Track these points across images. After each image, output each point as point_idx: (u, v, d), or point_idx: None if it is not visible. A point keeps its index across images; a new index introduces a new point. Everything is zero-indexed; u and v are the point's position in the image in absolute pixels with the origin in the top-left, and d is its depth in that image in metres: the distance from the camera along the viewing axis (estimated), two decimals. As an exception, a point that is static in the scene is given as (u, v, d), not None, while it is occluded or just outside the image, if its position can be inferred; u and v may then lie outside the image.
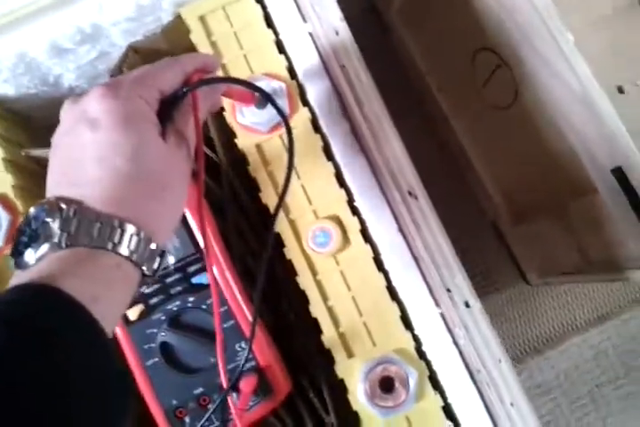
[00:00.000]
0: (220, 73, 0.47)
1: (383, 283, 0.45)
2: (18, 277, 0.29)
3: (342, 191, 0.46)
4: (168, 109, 0.35)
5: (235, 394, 0.42)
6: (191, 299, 0.44)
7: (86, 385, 0.27)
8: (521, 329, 0.92)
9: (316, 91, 0.47)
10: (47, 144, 0.51)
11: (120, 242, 0.30)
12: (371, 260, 0.45)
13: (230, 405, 0.42)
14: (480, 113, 0.76)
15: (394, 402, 0.43)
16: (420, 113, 0.92)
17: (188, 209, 0.45)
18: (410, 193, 0.45)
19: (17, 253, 0.30)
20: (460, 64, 0.74)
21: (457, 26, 0.70)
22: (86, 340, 0.28)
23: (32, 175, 0.51)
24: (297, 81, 0.47)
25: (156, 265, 0.33)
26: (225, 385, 0.41)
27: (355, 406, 0.44)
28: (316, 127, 0.47)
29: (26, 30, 0.46)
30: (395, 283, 0.45)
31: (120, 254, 0.30)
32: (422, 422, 0.44)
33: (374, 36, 0.91)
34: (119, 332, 0.44)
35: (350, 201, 0.46)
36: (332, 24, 0.47)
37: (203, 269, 0.45)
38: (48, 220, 0.30)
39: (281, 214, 0.46)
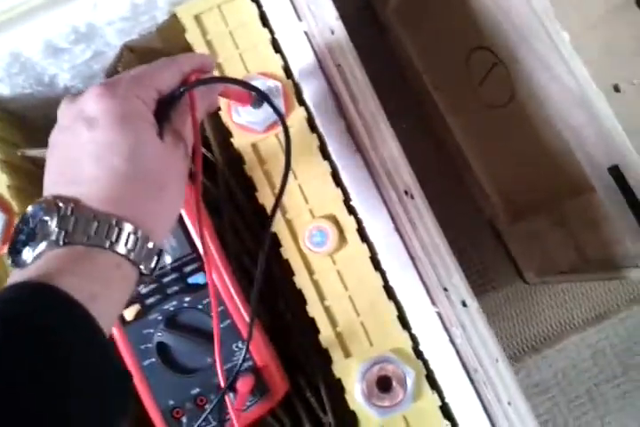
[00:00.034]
0: (215, 72, 0.46)
1: (380, 282, 0.45)
2: (15, 276, 0.29)
3: (339, 191, 0.46)
4: (165, 109, 0.35)
5: (232, 394, 0.42)
6: (187, 299, 0.44)
7: (85, 384, 0.27)
8: (518, 328, 0.92)
9: (312, 90, 0.47)
10: (43, 144, 0.51)
11: (117, 240, 0.30)
12: (367, 259, 0.45)
13: (227, 405, 0.42)
14: (477, 112, 0.76)
15: (391, 402, 0.43)
16: (417, 112, 0.91)
17: (184, 210, 0.45)
18: (406, 192, 0.45)
19: (14, 252, 0.30)
20: (456, 63, 0.74)
21: (454, 26, 0.70)
22: (85, 338, 0.27)
23: (27, 175, 0.51)
24: (293, 80, 0.47)
25: (153, 264, 0.33)
26: (222, 385, 0.41)
27: (352, 406, 0.44)
28: (312, 126, 0.47)
29: (20, 30, 0.46)
30: (392, 282, 0.45)
31: (117, 253, 0.30)
32: (420, 422, 0.44)
33: (370, 35, 0.91)
34: (115, 332, 0.44)
35: (347, 200, 0.46)
36: (328, 23, 0.46)
37: (199, 269, 0.45)
38: (46, 218, 0.30)
39: (277, 214, 0.46)
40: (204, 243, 0.39)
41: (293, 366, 0.47)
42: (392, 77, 0.91)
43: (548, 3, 0.49)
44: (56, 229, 0.29)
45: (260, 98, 0.42)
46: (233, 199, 0.49)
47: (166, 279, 0.45)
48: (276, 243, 0.46)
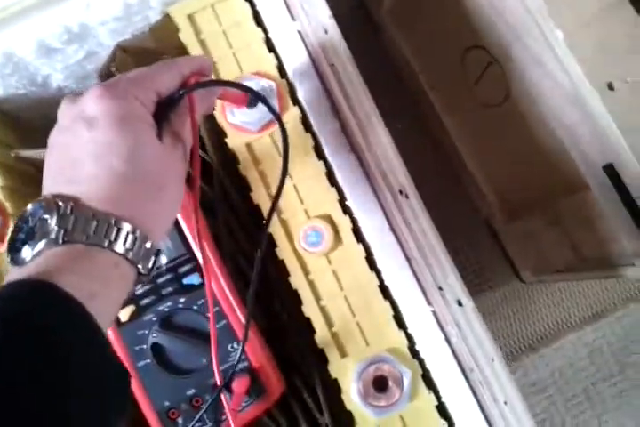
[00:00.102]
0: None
1: (375, 282, 0.45)
2: (14, 274, 0.29)
3: (333, 190, 0.46)
4: (165, 111, 0.35)
5: (227, 395, 0.42)
6: (182, 300, 0.44)
7: (85, 384, 0.26)
8: (515, 327, 0.92)
9: (306, 89, 0.47)
10: (37, 145, 0.51)
11: (116, 240, 0.30)
12: (363, 259, 0.45)
13: (223, 405, 0.42)
14: (472, 111, 0.76)
15: (387, 401, 0.43)
16: (412, 112, 0.91)
17: (180, 212, 0.45)
18: (401, 192, 0.45)
19: (14, 250, 0.30)
20: (451, 63, 0.74)
21: (448, 25, 0.70)
22: (84, 338, 0.27)
23: (21, 176, 0.51)
24: (287, 80, 0.47)
25: (151, 264, 0.33)
26: (218, 385, 0.41)
27: (348, 406, 0.44)
28: (307, 126, 0.47)
29: (13, 30, 0.46)
30: (387, 282, 0.45)
31: (116, 252, 0.30)
32: (416, 422, 0.43)
33: (365, 34, 0.91)
34: (110, 333, 0.44)
35: (342, 200, 0.46)
36: (321, 22, 0.46)
37: (194, 270, 0.45)
38: (45, 216, 0.30)
39: (274, 215, 0.45)
40: (202, 248, 0.39)
41: (289, 366, 0.47)
42: (387, 77, 0.91)
43: (542, 1, 0.49)
44: (55, 228, 0.29)
45: (261, 102, 0.42)
46: (227, 199, 0.49)
47: (161, 280, 0.44)
48: (271, 243, 0.46)
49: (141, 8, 0.48)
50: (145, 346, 0.44)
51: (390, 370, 0.43)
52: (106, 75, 0.54)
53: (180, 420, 0.43)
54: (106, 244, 0.30)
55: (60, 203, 0.30)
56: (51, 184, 0.32)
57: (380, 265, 0.45)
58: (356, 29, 0.87)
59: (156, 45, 0.53)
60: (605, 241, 0.59)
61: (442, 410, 0.43)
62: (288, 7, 0.47)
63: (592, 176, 0.54)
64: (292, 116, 0.47)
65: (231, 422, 0.41)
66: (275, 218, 0.46)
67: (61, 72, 0.52)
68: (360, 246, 0.45)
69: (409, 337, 0.44)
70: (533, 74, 0.56)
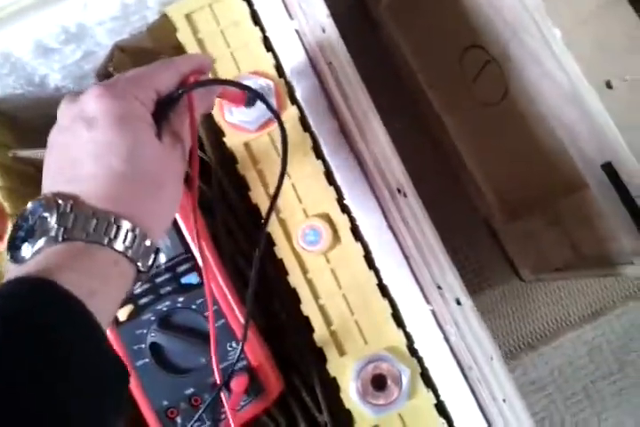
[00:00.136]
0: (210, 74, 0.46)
1: (374, 281, 0.45)
2: (13, 272, 0.29)
3: (332, 189, 0.46)
4: (164, 110, 0.35)
5: (226, 394, 0.42)
6: (181, 299, 0.44)
7: (85, 384, 0.26)
8: (514, 325, 0.92)
9: (304, 89, 0.47)
10: (34, 145, 0.51)
11: (116, 238, 0.30)
12: (361, 258, 0.45)
13: (222, 404, 0.42)
14: (471, 110, 0.76)
15: (386, 400, 0.43)
16: (411, 112, 0.91)
17: (178, 211, 0.45)
18: (399, 190, 0.45)
19: (13, 248, 0.30)
20: (450, 61, 0.74)
21: (446, 23, 0.70)
22: (84, 336, 0.27)
23: (19, 176, 0.51)
24: (285, 79, 0.47)
25: (150, 262, 0.33)
26: (217, 384, 0.41)
27: (347, 405, 0.44)
28: (305, 125, 0.47)
29: (10, 30, 0.46)
30: (385, 281, 0.45)
31: (115, 250, 0.31)
32: (415, 420, 0.43)
33: (363, 33, 0.90)
34: (108, 333, 0.44)
35: (340, 199, 0.46)
36: (319, 21, 0.46)
37: (192, 269, 0.45)
38: (45, 215, 0.30)
39: (272, 214, 0.45)
40: (200, 248, 0.39)
41: (288, 365, 0.47)
42: (386, 76, 0.91)
43: (540, -1, 0.49)
44: (55, 226, 0.30)
45: (261, 101, 0.42)
46: (226, 199, 0.49)
47: (159, 279, 0.44)
48: (269, 242, 0.46)
49: (139, 8, 0.48)
50: (143, 345, 0.44)
51: (389, 369, 0.43)
52: (103, 75, 0.54)
53: (178, 419, 0.43)
54: (105, 241, 0.30)
55: (60, 201, 0.30)
56: (50, 183, 0.32)
57: (378, 264, 0.45)
58: (353, 27, 0.87)
59: (154, 45, 0.53)
60: (604, 240, 0.59)
61: (440, 409, 0.43)
62: (286, 6, 0.47)
63: (591, 175, 0.54)
64: (290, 115, 0.47)
65: (230, 421, 0.41)
66: (273, 217, 0.46)
67: (59, 72, 0.52)
68: (358, 245, 0.45)
69: (407, 336, 0.44)
70: (531, 72, 0.56)
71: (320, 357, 0.45)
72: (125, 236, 0.31)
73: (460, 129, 0.85)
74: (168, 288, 0.44)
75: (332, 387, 0.45)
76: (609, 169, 0.51)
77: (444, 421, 0.43)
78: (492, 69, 0.64)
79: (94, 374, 0.27)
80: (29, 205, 0.31)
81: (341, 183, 0.46)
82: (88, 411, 0.26)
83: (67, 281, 0.28)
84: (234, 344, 0.44)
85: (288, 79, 0.47)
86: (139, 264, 0.32)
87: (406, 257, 0.44)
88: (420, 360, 0.44)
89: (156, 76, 0.35)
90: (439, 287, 0.44)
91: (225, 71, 0.48)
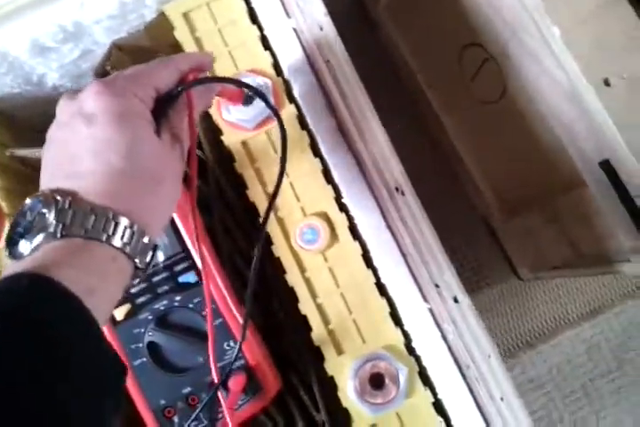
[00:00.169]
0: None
1: (372, 279, 0.45)
2: (11, 268, 0.29)
3: (330, 188, 0.46)
4: (163, 108, 0.35)
5: (224, 393, 0.42)
6: (178, 298, 0.44)
7: (85, 383, 0.26)
8: (513, 324, 0.92)
9: (302, 87, 0.47)
10: (32, 144, 0.51)
11: (114, 234, 0.30)
12: (359, 256, 0.45)
13: (220, 403, 0.42)
14: (470, 109, 0.76)
15: (384, 399, 0.43)
16: (411, 112, 0.91)
17: (176, 210, 0.45)
18: (397, 189, 0.45)
19: (12, 244, 0.30)
20: (448, 60, 0.74)
21: (445, 23, 0.70)
22: (82, 332, 0.27)
23: (16, 175, 0.51)
24: (282, 77, 0.47)
25: (148, 258, 0.33)
26: (215, 383, 0.41)
27: (345, 403, 0.44)
28: (303, 124, 0.47)
29: (7, 29, 0.46)
30: (383, 279, 0.45)
31: (114, 246, 0.31)
32: (413, 419, 0.43)
33: (361, 32, 0.90)
34: (106, 332, 0.44)
35: (338, 198, 0.46)
36: (316, 19, 0.46)
37: (189, 268, 0.44)
38: (44, 211, 0.30)
39: (270, 212, 0.45)
40: (199, 248, 0.39)
41: (286, 364, 0.47)
42: (385, 76, 0.90)
43: (538, -3, 0.48)
44: (54, 222, 0.30)
45: (261, 99, 0.42)
46: (223, 197, 0.49)
47: (156, 278, 0.44)
48: (267, 241, 0.46)
49: (136, 6, 0.48)
50: (141, 345, 0.44)
51: (387, 367, 0.43)
52: (101, 73, 0.54)
53: (175, 418, 0.43)
54: (104, 238, 0.30)
55: (59, 197, 0.30)
56: (49, 179, 0.32)
57: (376, 262, 0.45)
58: (352, 27, 0.86)
59: (152, 43, 0.53)
60: (602, 237, 0.59)
61: (438, 407, 0.43)
62: (283, 4, 0.47)
63: (589, 173, 0.54)
64: (287, 113, 0.46)
65: (228, 420, 0.41)
66: (271, 216, 0.46)
67: (56, 71, 0.52)
68: (356, 244, 0.45)
69: (405, 334, 0.44)
70: (530, 71, 0.56)
71: (318, 355, 0.45)
72: (123, 232, 0.31)
73: (458, 128, 0.85)
74: (165, 287, 0.44)
75: (329, 386, 0.45)
76: (607, 167, 0.50)
77: (441, 419, 0.43)
78: (491, 68, 0.64)
79: (94, 374, 0.27)
80: (28, 200, 0.31)
81: (339, 182, 0.46)
82: (88, 411, 0.26)
83: (65, 277, 0.27)
84: (231, 343, 0.44)
85: (286, 77, 0.47)
86: (136, 261, 0.32)
87: (404, 256, 0.44)
88: (417, 359, 0.44)
89: (155, 73, 0.35)
90: (437, 286, 0.44)
91: (223, 70, 0.48)
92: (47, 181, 0.32)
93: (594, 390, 0.91)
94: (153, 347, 0.44)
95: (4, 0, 0.45)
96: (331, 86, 0.46)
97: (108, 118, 0.31)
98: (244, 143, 0.47)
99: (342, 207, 0.46)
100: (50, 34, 0.47)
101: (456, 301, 0.44)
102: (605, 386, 0.91)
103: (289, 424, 0.47)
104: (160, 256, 0.45)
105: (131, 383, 0.43)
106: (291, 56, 0.47)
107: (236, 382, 0.42)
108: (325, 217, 0.46)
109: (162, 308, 0.44)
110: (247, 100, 0.45)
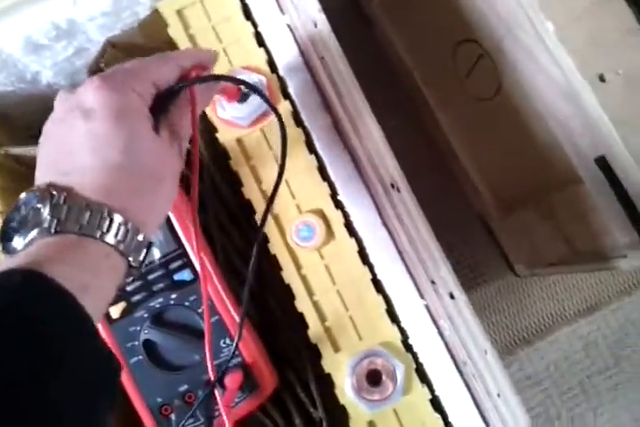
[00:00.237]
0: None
1: (368, 276, 0.45)
2: (4, 263, 0.29)
3: (325, 185, 0.46)
4: (163, 104, 0.34)
5: (220, 390, 0.42)
6: (174, 296, 0.44)
7: (79, 381, 0.26)
8: (510, 321, 0.92)
9: (297, 84, 0.46)
10: (26, 142, 0.51)
11: (108, 231, 0.30)
12: (355, 253, 0.45)
13: (217, 401, 0.42)
14: (465, 106, 0.76)
15: (381, 395, 0.43)
16: (406, 109, 0.91)
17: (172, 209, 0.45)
18: (392, 185, 0.45)
19: (5, 239, 0.30)
20: (443, 57, 0.73)
21: (439, 19, 0.70)
22: (75, 329, 0.27)
23: (10, 174, 0.51)
24: (277, 74, 0.47)
25: (142, 257, 0.33)
26: (212, 379, 0.41)
27: (342, 401, 0.44)
28: (298, 121, 0.47)
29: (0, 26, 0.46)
30: (380, 276, 0.45)
31: (107, 243, 0.30)
32: (410, 415, 0.43)
33: (356, 28, 0.90)
34: (101, 330, 0.44)
35: (334, 195, 0.46)
36: (311, 15, 0.46)
37: (185, 266, 0.44)
38: (38, 206, 0.30)
39: (264, 210, 0.45)
40: (197, 248, 0.39)
41: (283, 361, 0.47)
42: (380, 73, 0.90)
43: (532, -7, 0.48)
44: (48, 217, 0.29)
45: (265, 102, 0.41)
46: (218, 195, 0.49)
47: (152, 276, 0.44)
48: (263, 238, 0.46)
49: (130, 3, 0.48)
50: (137, 343, 0.44)
51: (384, 364, 0.43)
52: (95, 71, 0.54)
53: (172, 416, 0.43)
54: (98, 234, 0.30)
55: (54, 192, 0.30)
56: (44, 174, 0.32)
57: (372, 259, 0.45)
58: (347, 23, 0.86)
59: (146, 41, 0.53)
60: (598, 234, 0.59)
61: (435, 404, 0.43)
62: (277, 1, 0.46)
63: (584, 169, 0.54)
64: (282, 110, 0.46)
65: (224, 417, 0.41)
66: (267, 213, 0.45)
67: (50, 69, 0.52)
68: (352, 241, 0.45)
69: (402, 331, 0.44)
70: (525, 68, 0.56)
71: (314, 353, 0.45)
72: (118, 229, 0.30)
73: (454, 125, 0.85)
74: (161, 285, 0.44)
75: (326, 383, 0.45)
76: (603, 163, 0.50)
77: (438, 416, 0.43)
78: (486, 64, 0.64)
79: (88, 371, 0.27)
80: (23, 195, 0.31)
81: (335, 179, 0.46)
82: (82, 409, 0.26)
83: (58, 274, 0.27)
84: (227, 341, 0.44)
85: (280, 74, 0.47)
86: (130, 259, 0.32)
87: (400, 252, 0.44)
88: (414, 355, 0.44)
89: (154, 68, 0.34)
90: (433, 282, 0.44)
91: (217, 67, 0.47)
92: (42, 176, 0.32)
93: (591, 387, 0.91)
94: (149, 345, 0.44)
95: (-3, -3, 0.44)
96: (325, 83, 0.46)
97: (106, 113, 0.31)
98: (239, 141, 0.47)
99: (338, 204, 0.46)
100: (43, 31, 0.47)
101: (452, 297, 0.44)
102: (603, 383, 0.91)
103: (286, 422, 0.47)
104: (156, 254, 0.45)
105: (127, 381, 0.43)
106: (285, 53, 0.46)
107: (232, 380, 0.42)
108: (321, 214, 0.45)
109: (157, 306, 0.44)
110: (243, 98, 0.45)
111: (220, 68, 0.47)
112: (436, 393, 0.43)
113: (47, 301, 0.27)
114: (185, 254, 0.44)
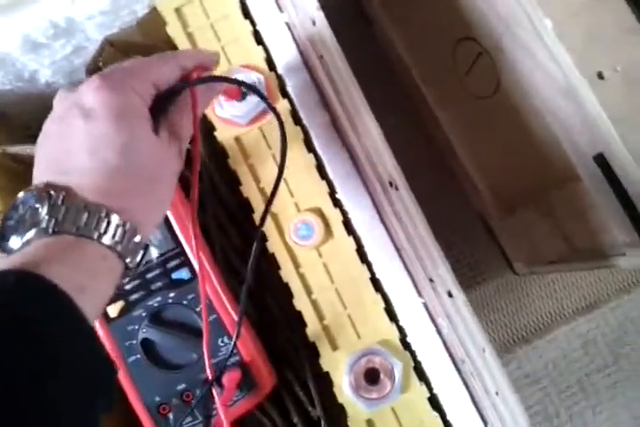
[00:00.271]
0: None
1: (367, 275, 0.45)
2: (0, 263, 0.28)
3: (324, 183, 0.46)
4: (163, 104, 0.34)
5: (219, 389, 0.42)
6: (172, 295, 0.44)
7: (76, 382, 0.26)
8: (509, 319, 0.92)
9: (295, 82, 0.46)
10: (23, 141, 0.51)
11: (106, 232, 0.30)
12: (354, 252, 0.45)
13: (215, 400, 0.42)
14: (464, 104, 0.76)
15: (379, 394, 0.43)
16: (405, 107, 0.91)
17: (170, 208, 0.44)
18: (391, 184, 0.45)
19: (2, 238, 0.30)
20: (443, 55, 0.73)
21: (440, 18, 0.70)
22: (73, 331, 0.27)
23: (8, 173, 0.50)
24: (275, 72, 0.47)
25: (139, 258, 0.33)
26: (210, 378, 0.41)
27: (340, 399, 0.44)
28: (296, 119, 0.47)
29: (-3, 25, 0.46)
30: (378, 274, 0.45)
31: (105, 245, 0.30)
32: (408, 414, 0.43)
33: (356, 27, 0.90)
34: (99, 329, 0.44)
35: (332, 193, 0.46)
36: (309, 13, 0.46)
37: (183, 265, 0.44)
38: (37, 206, 0.30)
39: (263, 208, 0.45)
40: (196, 247, 0.39)
41: (281, 360, 0.47)
42: (379, 71, 0.90)
43: (531, -10, 0.48)
44: (46, 217, 0.29)
45: (269, 108, 0.41)
46: (217, 193, 0.49)
47: (150, 275, 0.44)
48: (261, 237, 0.46)
49: (128, 2, 0.48)
50: (135, 341, 0.43)
51: (382, 362, 0.43)
52: (94, 69, 0.54)
53: (170, 415, 0.43)
54: (95, 236, 0.30)
55: (52, 192, 0.30)
56: (42, 173, 0.32)
57: (370, 257, 0.45)
58: (347, 21, 0.86)
59: (144, 39, 0.53)
60: (597, 232, 0.59)
61: (434, 402, 0.43)
62: (276, -1, 0.46)
63: (583, 166, 0.54)
64: (281, 108, 0.46)
65: (222, 416, 0.41)
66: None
67: (49, 67, 0.52)
68: (351, 239, 0.45)
69: (400, 329, 0.44)
70: (524, 65, 0.56)
71: (313, 351, 0.45)
72: (115, 231, 0.30)
73: (453, 123, 0.84)
74: (159, 284, 0.44)
75: (325, 381, 0.45)
76: (601, 161, 0.50)
77: (437, 414, 0.43)
78: (485, 62, 0.64)
79: (85, 372, 0.27)
80: (21, 194, 0.31)
81: (333, 177, 0.45)
82: (79, 409, 0.26)
83: (55, 275, 0.27)
84: (225, 339, 0.44)
85: (279, 72, 0.47)
86: (127, 260, 0.32)
87: (398, 250, 0.44)
88: (412, 354, 0.44)
89: (154, 68, 0.34)
90: (431, 280, 0.44)
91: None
92: (40, 175, 0.32)
93: (590, 385, 0.91)
94: (147, 344, 0.44)
95: (-6, -4, 0.44)
96: (324, 81, 0.46)
97: (105, 114, 0.31)
98: (238, 139, 0.47)
99: (336, 203, 0.46)
100: (41, 29, 0.47)
101: (450, 295, 0.44)
102: (601, 381, 0.91)
103: (284, 420, 0.47)
104: (154, 253, 0.45)
105: (125, 380, 0.43)
106: (284, 51, 0.46)
107: (230, 379, 0.42)
108: (319, 212, 0.45)
109: (156, 304, 0.44)
110: (242, 97, 0.45)
111: (218, 67, 0.47)
112: (435, 391, 0.43)
113: (43, 301, 0.27)
114: (183, 253, 0.44)
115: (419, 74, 0.85)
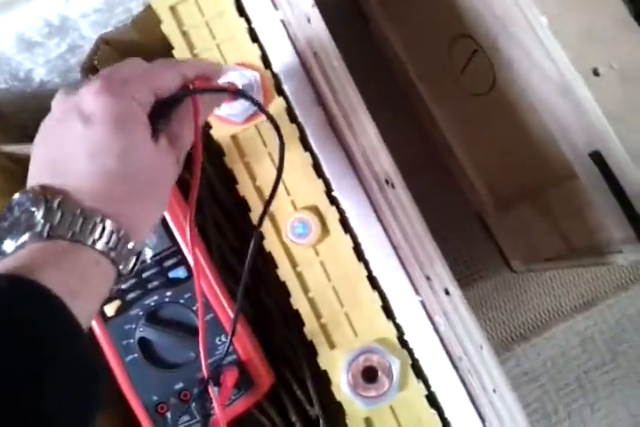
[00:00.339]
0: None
1: (363, 273, 0.45)
2: None
3: (320, 182, 0.46)
4: (164, 111, 0.34)
5: (216, 388, 0.42)
6: (168, 293, 0.44)
7: (70, 385, 0.26)
8: (506, 316, 0.92)
9: (291, 80, 0.46)
10: (18, 140, 0.50)
11: (100, 238, 0.30)
12: (350, 250, 0.45)
13: (212, 399, 0.42)
14: (460, 101, 0.76)
15: (377, 392, 0.43)
16: (402, 104, 0.91)
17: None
18: (387, 181, 0.45)
19: None
20: (439, 53, 0.73)
21: (436, 17, 0.70)
22: (68, 334, 0.27)
23: (3, 172, 0.50)
24: (271, 70, 0.47)
25: (131, 265, 0.33)
26: (206, 377, 0.40)
27: (338, 397, 0.44)
28: (292, 117, 0.46)
29: (-9, 23, 0.45)
30: (375, 272, 0.44)
31: (98, 251, 0.30)
32: (406, 411, 0.43)
33: (353, 25, 0.90)
34: (97, 328, 0.43)
35: (328, 191, 0.46)
36: (304, 11, 0.46)
37: (179, 264, 0.44)
38: (32, 209, 0.29)
39: (260, 206, 0.45)
40: (192, 247, 0.39)
41: (278, 358, 0.47)
42: (375, 68, 0.90)
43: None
44: (41, 221, 0.29)
45: (268, 118, 0.41)
46: (213, 191, 0.49)
47: (146, 274, 0.44)
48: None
49: (123, 0, 0.48)
50: (132, 340, 0.43)
51: (379, 360, 0.43)
52: (89, 68, 0.53)
53: (168, 414, 0.43)
54: (89, 242, 0.30)
55: (48, 196, 0.30)
56: (39, 173, 0.32)
57: (367, 255, 0.45)
58: (343, 19, 0.86)
59: (139, 37, 0.52)
60: (594, 229, 0.59)
61: (431, 400, 0.43)
62: (270, -4, 0.46)
63: (579, 164, 0.54)
64: (277, 106, 0.46)
65: (220, 415, 0.41)
66: (260, 210, 0.45)
67: (43, 66, 0.52)
68: (347, 237, 0.45)
69: (398, 327, 0.44)
70: (520, 64, 0.56)
71: (310, 350, 0.45)
72: (110, 237, 0.30)
73: (450, 121, 0.84)
74: (155, 283, 0.44)
75: (322, 380, 0.45)
76: (598, 159, 0.50)
77: (434, 412, 0.43)
78: (481, 59, 0.64)
79: (79, 374, 0.27)
80: (16, 196, 0.30)
81: (329, 175, 0.45)
82: (77, 409, 0.26)
83: (49, 280, 0.27)
84: (223, 338, 0.43)
85: (274, 70, 0.47)
86: (120, 267, 0.32)
87: (395, 248, 0.44)
88: (410, 352, 0.44)
89: (156, 75, 0.34)
90: (428, 278, 0.44)
91: (211, 63, 0.47)
92: (36, 175, 0.31)
93: (588, 383, 0.91)
94: (144, 343, 0.44)
95: (-12, -6, 0.44)
96: (319, 79, 0.46)
97: (105, 119, 0.31)
98: (234, 137, 0.47)
99: (333, 201, 0.46)
100: (35, 28, 0.47)
101: (447, 293, 0.43)
102: (599, 378, 0.91)
103: (283, 419, 0.47)
104: (150, 252, 0.45)
105: (122, 380, 0.43)
106: (279, 48, 0.46)
107: (227, 378, 0.42)
108: (316, 211, 0.45)
109: (152, 303, 0.44)
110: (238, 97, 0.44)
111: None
112: (432, 389, 0.43)
113: (37, 305, 0.26)
114: (179, 252, 0.44)
115: (415, 71, 0.85)
